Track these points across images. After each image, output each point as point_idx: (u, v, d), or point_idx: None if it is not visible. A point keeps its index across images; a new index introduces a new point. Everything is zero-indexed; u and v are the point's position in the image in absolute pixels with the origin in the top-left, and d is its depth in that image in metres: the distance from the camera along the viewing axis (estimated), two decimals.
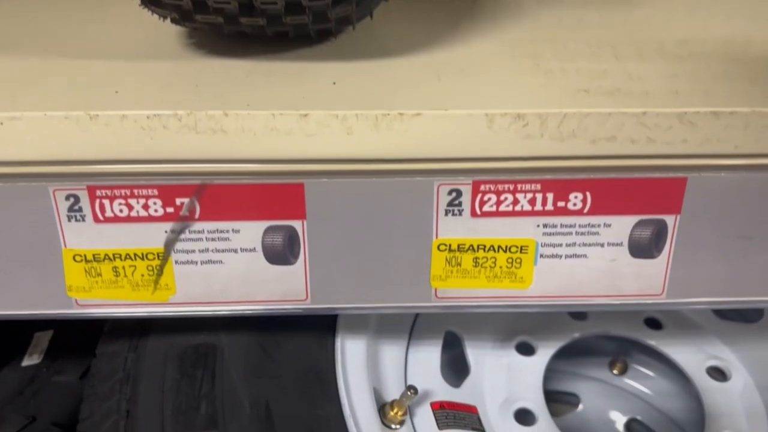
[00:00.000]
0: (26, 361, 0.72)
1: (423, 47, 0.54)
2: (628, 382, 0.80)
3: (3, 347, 0.73)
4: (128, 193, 0.44)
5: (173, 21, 0.49)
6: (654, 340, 0.72)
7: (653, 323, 0.74)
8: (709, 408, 0.65)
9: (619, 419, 0.80)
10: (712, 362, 0.69)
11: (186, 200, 0.45)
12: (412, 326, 0.68)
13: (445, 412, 0.60)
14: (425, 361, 0.65)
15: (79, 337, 0.73)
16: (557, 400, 0.82)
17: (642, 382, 0.80)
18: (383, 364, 0.62)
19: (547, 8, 0.63)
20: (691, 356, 0.70)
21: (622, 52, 0.52)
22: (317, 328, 0.58)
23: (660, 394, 0.78)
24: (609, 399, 0.81)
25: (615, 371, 0.80)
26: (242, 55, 0.50)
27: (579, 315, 0.74)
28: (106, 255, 0.47)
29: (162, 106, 0.42)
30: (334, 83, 0.46)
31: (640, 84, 0.46)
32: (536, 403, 0.64)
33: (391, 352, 0.64)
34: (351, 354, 0.58)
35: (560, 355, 0.72)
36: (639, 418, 0.79)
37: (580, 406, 0.81)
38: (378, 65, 0.50)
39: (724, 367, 0.68)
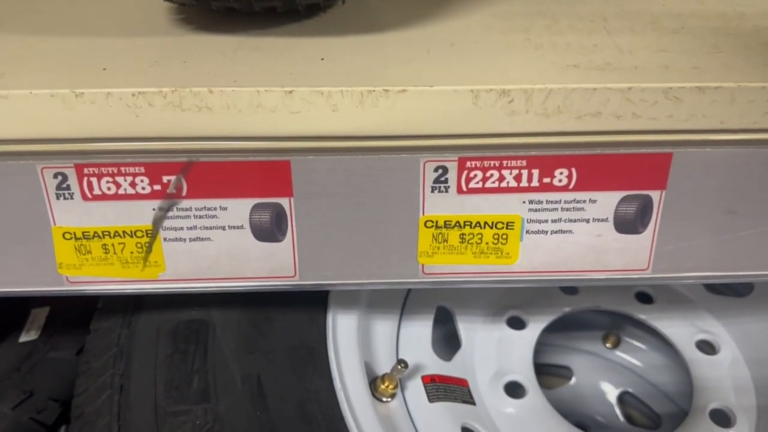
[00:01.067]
0: (23, 337, 0.73)
1: (414, 21, 0.53)
2: (621, 355, 0.81)
3: (0, 324, 0.74)
4: (115, 170, 0.44)
5: None
6: (644, 314, 0.73)
7: (644, 297, 0.74)
8: (697, 381, 0.66)
9: (612, 392, 0.81)
10: (702, 336, 0.70)
11: (173, 178, 0.45)
12: (404, 301, 0.68)
13: (435, 385, 0.60)
14: (417, 336, 0.65)
15: (76, 314, 0.74)
16: (551, 373, 0.83)
17: (634, 356, 0.81)
18: (375, 339, 0.62)
19: None
20: (681, 330, 0.71)
21: (614, 25, 0.52)
22: (308, 304, 0.59)
23: (651, 367, 0.79)
24: (602, 372, 0.82)
25: (608, 345, 0.81)
26: (231, 31, 0.50)
27: (570, 289, 0.74)
28: (95, 232, 0.47)
29: (148, 83, 0.42)
30: (323, 59, 0.46)
31: (630, 58, 0.46)
32: (526, 376, 0.65)
33: (383, 327, 0.64)
34: (342, 329, 0.58)
35: (554, 329, 0.73)
36: (631, 390, 0.81)
37: (573, 379, 0.82)
38: (367, 40, 0.49)
39: (713, 340, 0.69)
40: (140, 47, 0.48)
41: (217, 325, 0.55)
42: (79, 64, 0.45)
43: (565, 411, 0.64)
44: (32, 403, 0.65)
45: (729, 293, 0.74)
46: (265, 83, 0.42)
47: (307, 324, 0.57)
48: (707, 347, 0.69)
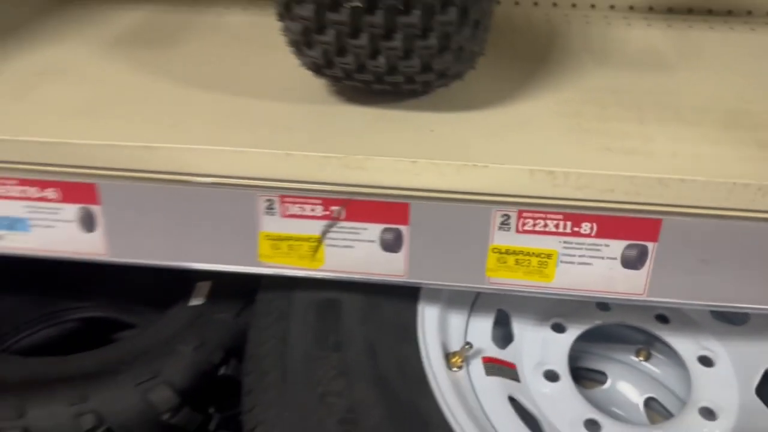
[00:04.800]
0: (193, 302, 0.80)
1: (495, 103, 0.61)
2: (648, 365, 0.83)
3: (171, 292, 0.82)
4: (303, 200, 0.55)
5: (311, 70, 0.57)
6: (660, 332, 0.77)
7: (662, 318, 0.78)
8: (694, 386, 0.70)
9: (639, 397, 0.84)
10: (703, 352, 0.74)
11: (336, 208, 0.55)
12: (473, 301, 0.75)
13: (492, 364, 0.68)
14: (480, 328, 0.73)
15: (232, 287, 0.80)
16: (588, 377, 0.85)
17: (658, 366, 0.83)
18: (450, 326, 0.70)
19: (603, 70, 0.68)
20: (687, 346, 0.75)
21: (646, 115, 0.59)
22: (407, 296, 0.67)
23: (670, 376, 0.83)
24: (632, 379, 0.85)
25: (640, 357, 0.84)
26: (371, 103, 0.59)
27: (603, 306, 0.79)
28: (285, 236, 0.57)
29: (329, 149, 0.53)
30: (432, 131, 0.56)
31: (651, 145, 0.54)
32: (561, 367, 0.71)
33: (456, 319, 0.72)
34: (428, 316, 0.67)
35: (593, 339, 0.77)
36: (655, 396, 0.83)
37: (608, 383, 0.85)
38: (463, 117, 0.58)
39: (711, 356, 0.74)
40: (312, 114, 0.58)
41: (346, 303, 0.65)
42: (279, 127, 0.55)
43: (598, 408, 0.67)
44: (205, 349, 0.73)
45: (730, 321, 0.76)
46: (399, 154, 0.52)
47: (405, 309, 0.66)
48: (707, 362, 0.73)
